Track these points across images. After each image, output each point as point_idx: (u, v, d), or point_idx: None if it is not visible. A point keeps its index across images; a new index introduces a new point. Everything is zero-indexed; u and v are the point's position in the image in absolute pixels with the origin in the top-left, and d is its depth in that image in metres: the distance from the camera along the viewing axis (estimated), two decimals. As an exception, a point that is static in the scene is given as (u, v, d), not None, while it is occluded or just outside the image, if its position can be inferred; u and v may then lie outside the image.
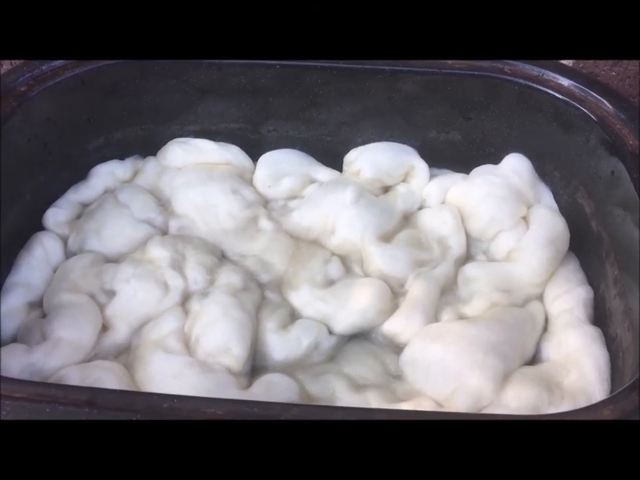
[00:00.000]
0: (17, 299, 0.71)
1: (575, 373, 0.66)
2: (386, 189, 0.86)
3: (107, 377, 0.62)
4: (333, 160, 0.87)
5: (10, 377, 0.55)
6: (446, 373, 0.64)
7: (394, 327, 0.70)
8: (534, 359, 0.70)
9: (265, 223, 0.81)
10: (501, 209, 0.78)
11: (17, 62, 0.83)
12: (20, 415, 0.48)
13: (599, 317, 0.72)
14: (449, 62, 0.77)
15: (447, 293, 0.75)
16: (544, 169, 0.83)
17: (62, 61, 0.76)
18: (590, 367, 0.66)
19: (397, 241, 0.78)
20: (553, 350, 0.70)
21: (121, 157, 0.87)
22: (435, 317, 0.72)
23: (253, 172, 0.86)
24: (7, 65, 0.85)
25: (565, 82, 0.76)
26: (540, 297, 0.75)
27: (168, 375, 0.63)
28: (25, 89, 0.73)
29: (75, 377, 0.62)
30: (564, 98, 0.75)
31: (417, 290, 0.72)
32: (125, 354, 0.69)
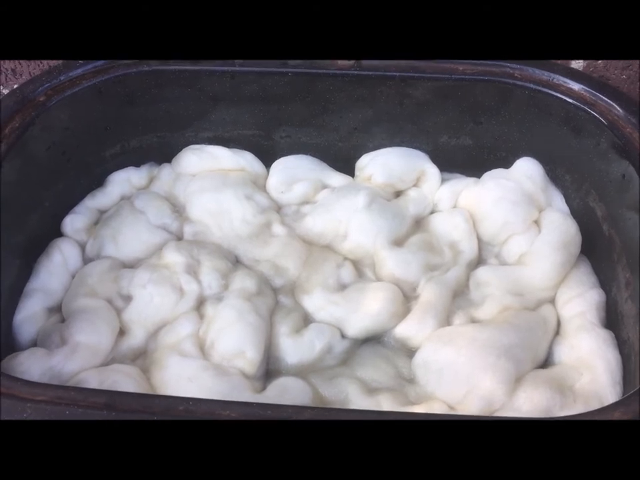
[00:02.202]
0: (36, 304, 0.73)
1: (587, 375, 0.66)
2: (398, 194, 0.86)
3: (124, 380, 0.63)
4: (345, 165, 0.88)
5: (31, 380, 0.57)
6: (458, 376, 0.65)
7: (406, 330, 0.71)
8: (546, 362, 0.70)
9: (278, 228, 0.82)
10: (512, 213, 0.79)
11: (36, 73, 0.84)
12: (40, 417, 0.50)
13: (611, 320, 0.72)
14: (460, 67, 0.78)
15: (458, 296, 0.75)
16: (555, 173, 0.83)
17: (79, 71, 0.78)
18: (602, 370, 0.66)
19: (409, 245, 0.79)
20: (565, 353, 0.70)
21: (137, 164, 0.89)
22: (447, 321, 0.72)
23: (266, 178, 0.87)
24: (26, 75, 0.87)
25: (575, 86, 0.76)
26: (552, 301, 0.75)
27: (183, 378, 0.64)
28: (44, 98, 0.75)
29: (93, 380, 0.63)
30: (574, 102, 0.75)
31: (429, 294, 0.73)
32: (141, 357, 0.70)
